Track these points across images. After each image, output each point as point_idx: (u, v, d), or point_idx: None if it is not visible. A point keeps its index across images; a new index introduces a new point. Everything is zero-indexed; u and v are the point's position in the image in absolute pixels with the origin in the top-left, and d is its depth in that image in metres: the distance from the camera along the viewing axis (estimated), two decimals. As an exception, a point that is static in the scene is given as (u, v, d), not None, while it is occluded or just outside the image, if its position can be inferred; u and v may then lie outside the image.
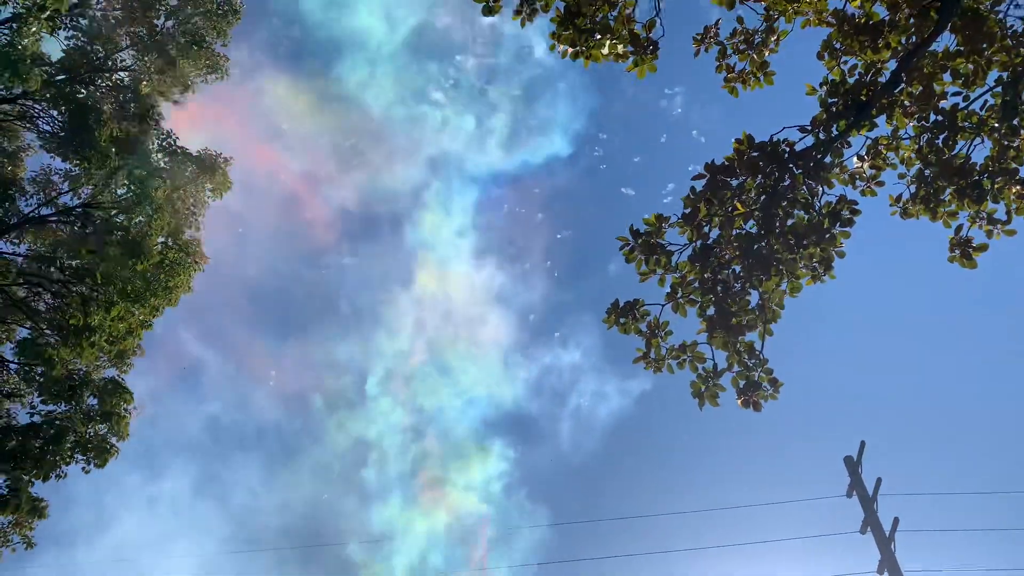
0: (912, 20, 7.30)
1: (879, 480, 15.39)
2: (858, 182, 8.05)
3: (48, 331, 18.15)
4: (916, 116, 7.38)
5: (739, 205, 7.95)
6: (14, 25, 15.70)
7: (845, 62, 7.94)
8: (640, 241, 7.88)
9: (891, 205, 7.90)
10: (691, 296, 8.02)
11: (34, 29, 13.72)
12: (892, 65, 7.49)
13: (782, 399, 7.54)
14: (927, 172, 7.48)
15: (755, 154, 7.55)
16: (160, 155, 17.62)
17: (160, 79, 17.24)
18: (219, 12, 17.84)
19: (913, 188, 7.71)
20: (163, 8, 17.32)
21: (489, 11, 7.79)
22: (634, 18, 7.24)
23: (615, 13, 7.21)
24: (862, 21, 7.65)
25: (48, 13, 14.10)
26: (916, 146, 7.53)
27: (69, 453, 15.91)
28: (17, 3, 15.88)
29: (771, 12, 7.74)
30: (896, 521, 14.66)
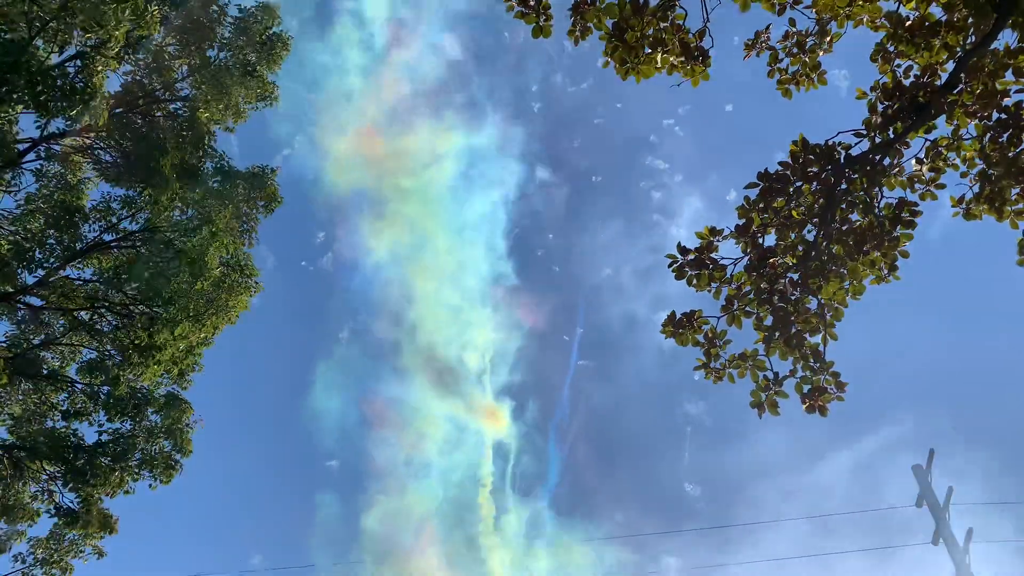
0: (970, 19, 7.19)
1: (950, 489, 14.91)
2: (917, 185, 7.92)
3: (112, 351, 18.95)
4: (978, 115, 7.25)
5: (795, 213, 7.90)
6: (78, 62, 16.62)
7: (899, 65, 7.85)
8: (689, 258, 7.87)
9: (953, 206, 7.75)
10: (747, 308, 7.98)
11: (100, 68, 14.50)
12: (951, 66, 7.38)
13: (847, 404, 7.45)
14: (991, 172, 7.33)
15: (811, 157, 7.52)
16: (215, 176, 18.34)
17: (215, 107, 17.96)
18: (268, 44, 18.56)
19: (976, 188, 7.55)
20: (216, 41, 18.10)
21: (540, 31, 7.95)
22: (686, 27, 7.31)
23: (666, 24, 7.30)
24: (917, 23, 7.56)
25: (115, 52, 14.88)
26: (979, 146, 7.39)
27: (136, 470, 16.53)
28: (81, 41, 16.81)
29: (823, 17, 7.72)
30: (970, 532, 14.14)
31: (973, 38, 7.28)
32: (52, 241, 17.76)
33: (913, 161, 8.01)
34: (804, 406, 7.14)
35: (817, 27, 7.90)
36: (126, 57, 18.68)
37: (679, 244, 7.69)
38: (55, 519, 17.50)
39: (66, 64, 16.62)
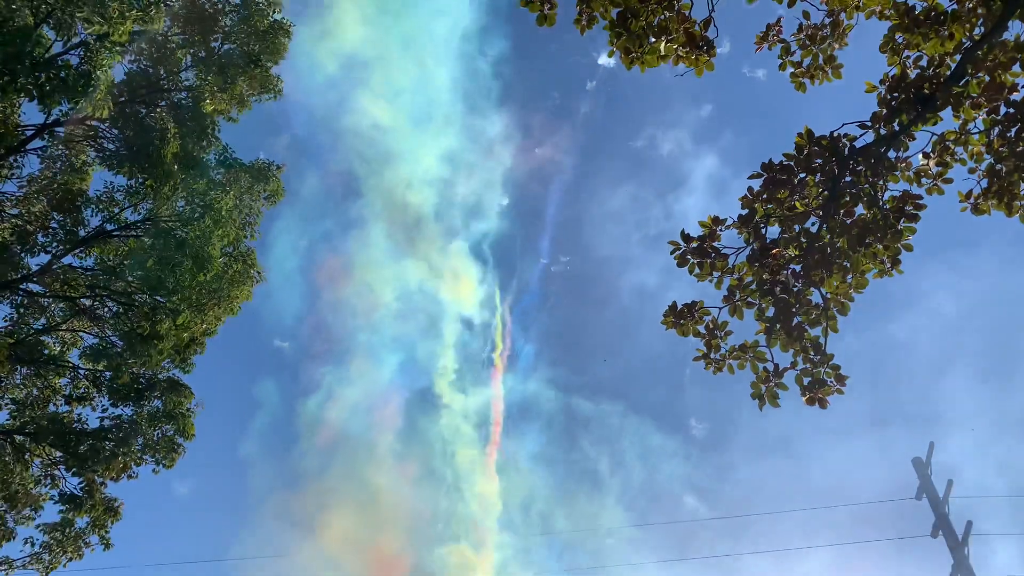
0: (979, 10, 7.12)
1: (950, 482, 14.91)
2: (924, 180, 7.85)
3: (114, 338, 19.01)
4: (986, 109, 7.18)
5: (798, 204, 7.86)
6: (82, 51, 16.59)
7: (908, 56, 7.78)
8: (692, 246, 7.84)
9: (961, 201, 7.69)
10: (748, 299, 7.96)
11: (105, 60, 14.50)
12: (959, 57, 7.30)
13: (849, 398, 7.43)
14: (999, 167, 7.27)
15: (815, 149, 7.47)
16: (218, 167, 18.35)
17: (219, 97, 17.94)
18: (270, 32, 18.50)
19: (984, 182, 7.49)
20: (220, 30, 18.04)
21: (544, 19, 7.90)
22: (691, 18, 7.26)
23: (671, 13, 7.25)
24: (924, 14, 7.48)
25: (120, 46, 14.88)
26: (986, 140, 7.32)
27: (139, 454, 16.63)
28: (84, 32, 16.77)
29: (833, 8, 7.66)
30: (969, 525, 14.11)
31: (983, 30, 7.22)
32: (55, 225, 17.78)
33: (920, 156, 7.95)
34: (804, 398, 7.14)
35: (830, 19, 7.83)
36: (131, 48, 18.65)
37: (683, 232, 7.67)
38: (59, 505, 17.60)
39: (70, 53, 16.61)
